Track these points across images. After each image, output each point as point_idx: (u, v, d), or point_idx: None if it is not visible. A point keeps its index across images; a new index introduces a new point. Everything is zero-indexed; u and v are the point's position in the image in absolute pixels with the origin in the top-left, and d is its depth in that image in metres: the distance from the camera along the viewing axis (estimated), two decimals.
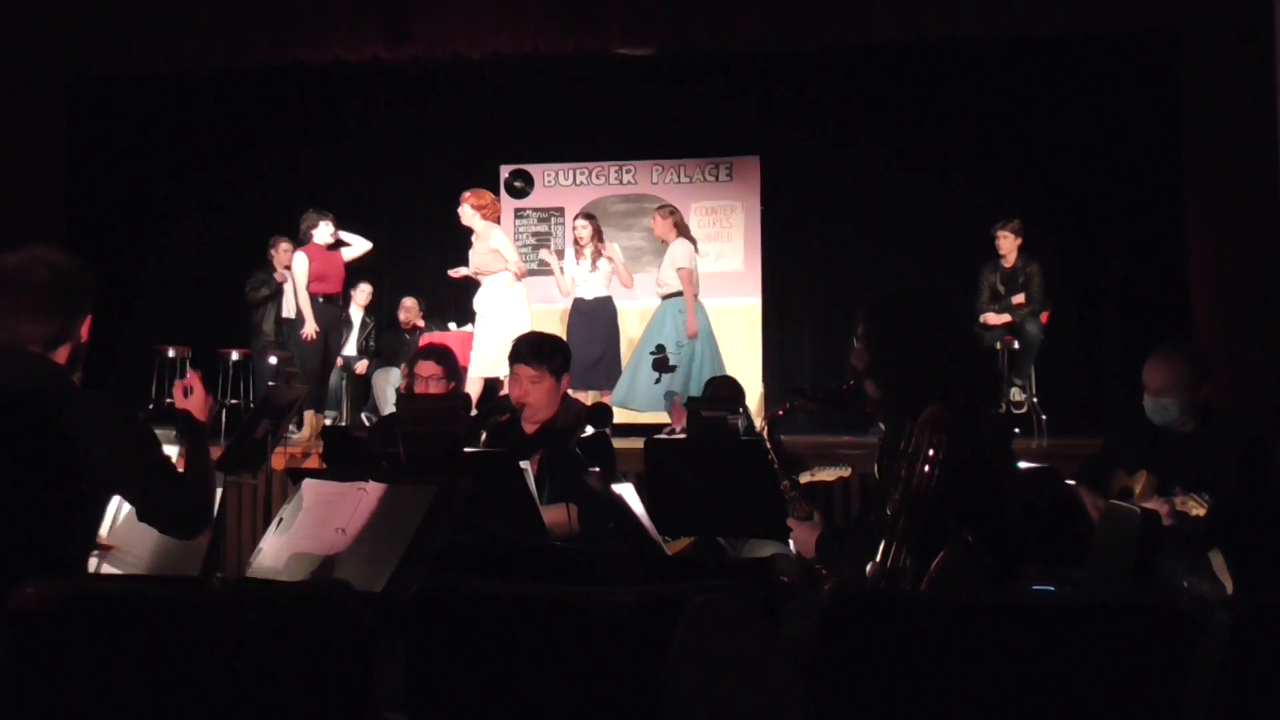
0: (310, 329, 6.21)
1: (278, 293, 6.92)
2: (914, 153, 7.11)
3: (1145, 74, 6.30)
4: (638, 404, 5.98)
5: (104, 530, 2.23)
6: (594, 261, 6.24)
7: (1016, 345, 6.02)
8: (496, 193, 7.78)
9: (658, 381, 5.73)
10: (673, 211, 6.25)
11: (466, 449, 2.95)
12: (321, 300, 6.30)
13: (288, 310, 6.89)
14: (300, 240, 6.38)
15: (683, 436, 5.58)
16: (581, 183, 7.81)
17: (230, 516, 4.94)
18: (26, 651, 1.46)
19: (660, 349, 5.76)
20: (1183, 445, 3.10)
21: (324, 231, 6.31)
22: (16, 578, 1.50)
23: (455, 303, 7.61)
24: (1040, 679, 1.39)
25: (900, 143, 7.14)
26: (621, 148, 7.72)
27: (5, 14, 5.87)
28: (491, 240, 5.96)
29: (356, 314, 7.12)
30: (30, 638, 1.46)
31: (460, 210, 6.02)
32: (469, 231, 6.09)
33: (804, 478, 3.93)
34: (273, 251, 7.01)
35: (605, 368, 6.11)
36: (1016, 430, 5.69)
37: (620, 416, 6.18)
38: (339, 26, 5.94)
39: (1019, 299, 6.08)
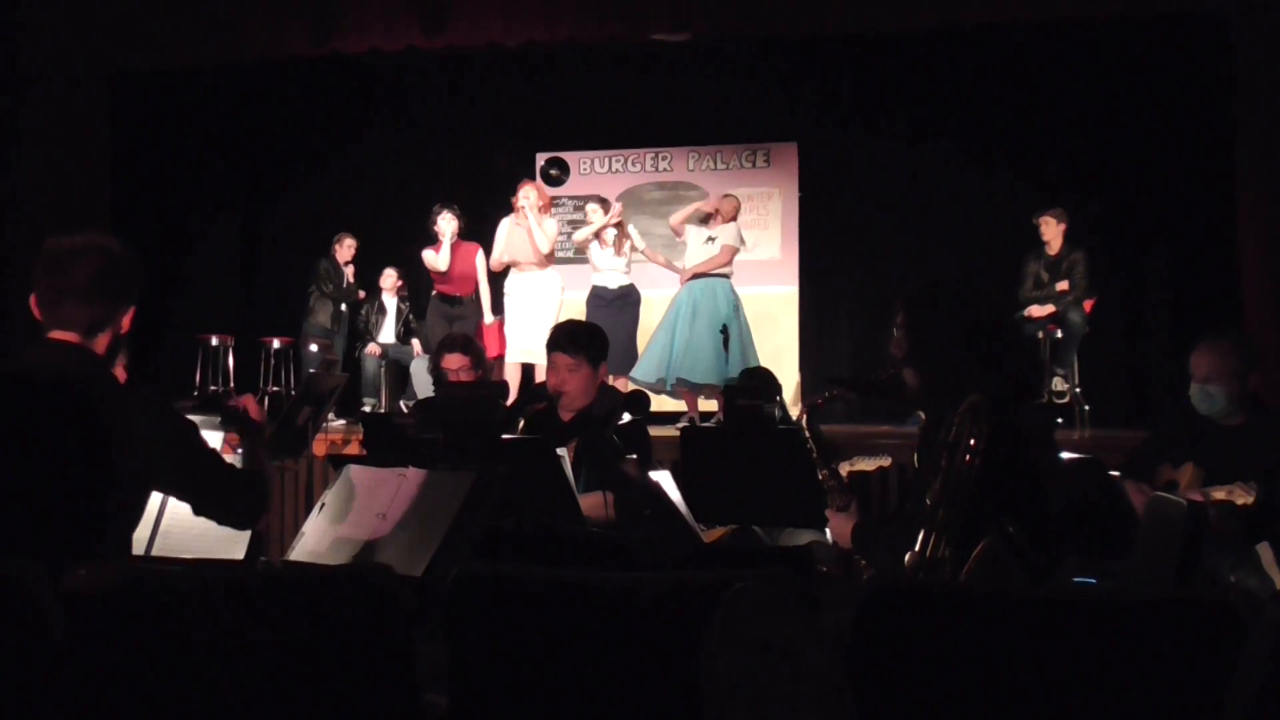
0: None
1: (352, 292, 7.06)
2: (955, 139, 7.02)
3: (1196, 56, 6.16)
4: (718, 378, 5.83)
5: (149, 517, 2.28)
6: (618, 247, 6.21)
7: (1059, 334, 5.94)
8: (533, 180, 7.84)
9: (727, 361, 5.73)
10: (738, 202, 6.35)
11: (504, 436, 2.98)
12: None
13: (343, 305, 7.08)
14: (431, 237, 6.46)
15: (715, 425, 5.60)
16: (617, 170, 7.81)
17: (273, 502, 5.02)
18: (80, 630, 1.49)
19: (725, 329, 5.77)
20: (1230, 438, 3.04)
21: (442, 224, 6.35)
22: (58, 561, 1.53)
23: (494, 291, 7.66)
24: (1080, 674, 1.37)
25: (941, 128, 7.05)
26: (658, 135, 7.70)
27: (49, 11, 5.98)
28: (546, 229, 6.00)
29: (390, 301, 7.18)
30: (83, 617, 1.49)
31: (523, 195, 6.01)
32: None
33: (843, 467, 3.90)
34: (336, 246, 7.12)
35: (620, 355, 6.01)
36: (1059, 421, 5.62)
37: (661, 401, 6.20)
38: (376, 16, 5.98)
39: (1062, 285, 6.00)
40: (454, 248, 6.36)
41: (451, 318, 6.35)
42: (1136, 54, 6.45)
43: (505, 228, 6.11)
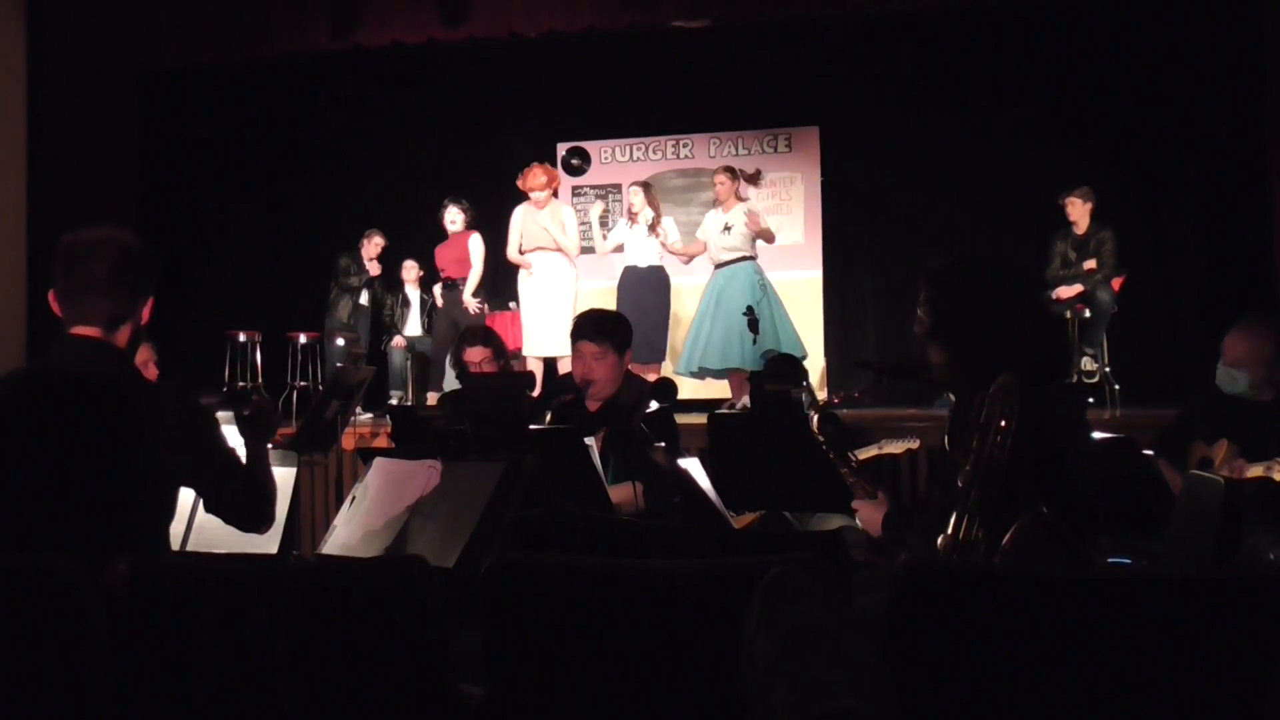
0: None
1: (366, 285, 7.11)
2: (979, 118, 6.94)
3: (1225, 31, 6.05)
4: (744, 362, 5.81)
5: (184, 512, 2.30)
6: (651, 229, 6.17)
7: (1087, 313, 5.87)
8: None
9: (755, 342, 5.69)
10: (738, 174, 6.11)
11: (532, 427, 2.98)
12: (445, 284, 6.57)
13: (364, 299, 7.14)
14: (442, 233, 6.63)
15: (743, 411, 5.58)
16: (638, 158, 7.79)
17: (303, 496, 5.06)
18: (121, 623, 1.52)
19: (751, 310, 5.72)
20: (1264, 414, 3.00)
21: (447, 217, 6.53)
22: (96, 556, 1.55)
23: (514, 283, 7.66)
24: (1117, 654, 1.36)
25: (964, 108, 6.97)
26: (678, 122, 7.67)
27: (79, 14, 6.05)
28: (561, 215, 5.97)
29: (413, 293, 7.21)
30: (122, 610, 1.52)
31: (528, 181, 6.00)
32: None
33: (871, 451, 3.89)
34: (364, 243, 7.17)
35: (651, 338, 6.02)
36: (1090, 400, 5.56)
37: (691, 388, 6.19)
38: (397, 9, 6.01)
39: (1090, 264, 5.92)
40: (456, 236, 6.53)
41: (449, 302, 6.52)
42: (1164, 28, 6.34)
43: (519, 217, 6.09)
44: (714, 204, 6.17)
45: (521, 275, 6.14)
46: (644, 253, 6.21)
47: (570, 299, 5.99)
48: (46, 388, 1.92)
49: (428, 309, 7.19)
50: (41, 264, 5.76)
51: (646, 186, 6.33)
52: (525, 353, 6.16)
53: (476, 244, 6.50)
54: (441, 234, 6.68)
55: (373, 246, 7.18)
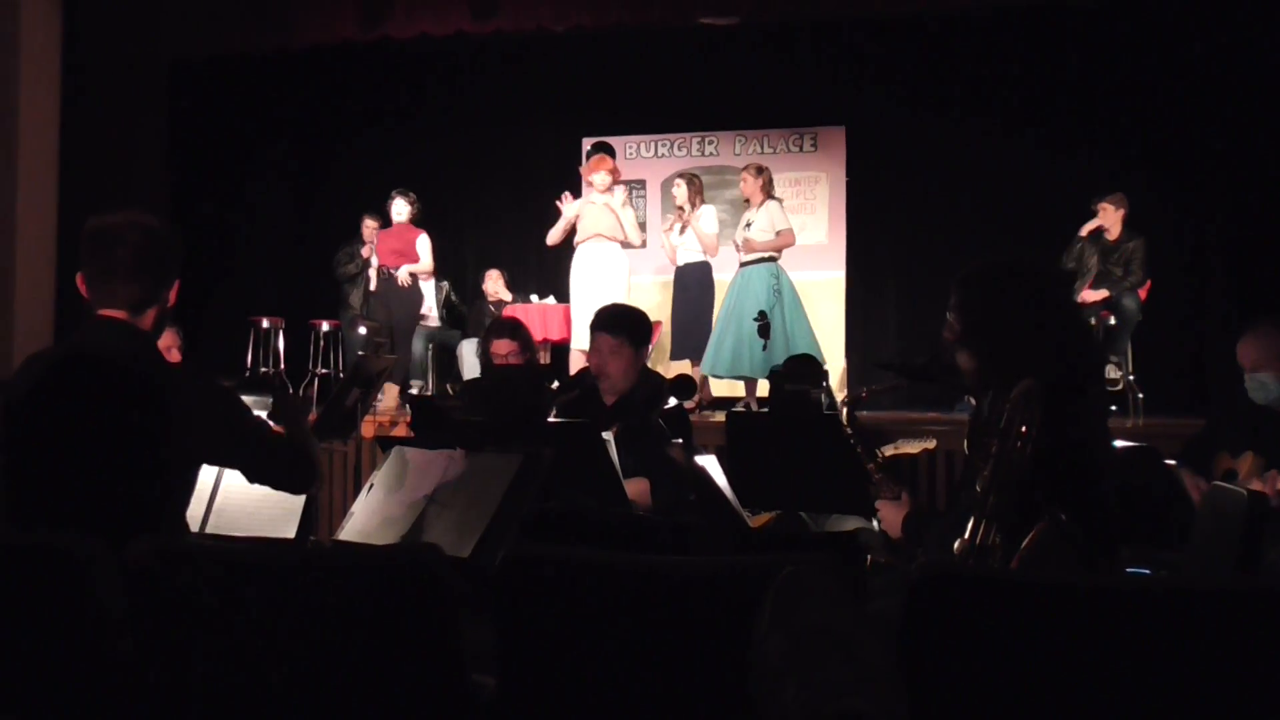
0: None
1: (364, 268, 7.13)
2: (1006, 121, 6.88)
3: (1258, 33, 5.97)
4: (753, 371, 5.77)
5: (204, 495, 2.33)
6: (682, 229, 6.13)
7: (1113, 320, 5.81)
8: (578, 165, 7.84)
9: (765, 349, 5.63)
10: (762, 170, 6.03)
11: (550, 420, 2.98)
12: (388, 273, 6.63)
13: (374, 284, 7.17)
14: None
15: (765, 410, 5.56)
16: (663, 154, 7.78)
17: (323, 473, 5.09)
18: (139, 602, 1.53)
19: (763, 315, 5.65)
20: None
21: (394, 209, 6.61)
22: (117, 536, 1.57)
23: (538, 275, 7.68)
24: (1132, 665, 1.35)
25: (992, 110, 6.92)
26: (704, 119, 7.66)
27: (111, 2, 6.12)
28: (623, 211, 5.97)
29: (428, 284, 7.22)
30: (142, 590, 1.53)
31: (591, 168, 6.04)
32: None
33: (888, 450, 3.86)
34: (362, 229, 7.20)
35: (697, 336, 5.98)
36: (1113, 408, 5.51)
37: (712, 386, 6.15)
38: (426, 2, 6.02)
39: (1116, 269, 5.85)
40: (401, 228, 6.59)
41: (386, 289, 6.64)
42: (1197, 35, 6.26)
43: (576, 208, 6.08)
44: (744, 202, 6.14)
45: (575, 263, 6.12)
46: (684, 250, 6.16)
47: (622, 291, 5.95)
48: (73, 369, 1.94)
49: (444, 299, 7.21)
50: (71, 248, 5.80)
51: (690, 179, 6.24)
52: (574, 346, 6.13)
53: (424, 243, 6.57)
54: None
55: (368, 230, 7.20)
